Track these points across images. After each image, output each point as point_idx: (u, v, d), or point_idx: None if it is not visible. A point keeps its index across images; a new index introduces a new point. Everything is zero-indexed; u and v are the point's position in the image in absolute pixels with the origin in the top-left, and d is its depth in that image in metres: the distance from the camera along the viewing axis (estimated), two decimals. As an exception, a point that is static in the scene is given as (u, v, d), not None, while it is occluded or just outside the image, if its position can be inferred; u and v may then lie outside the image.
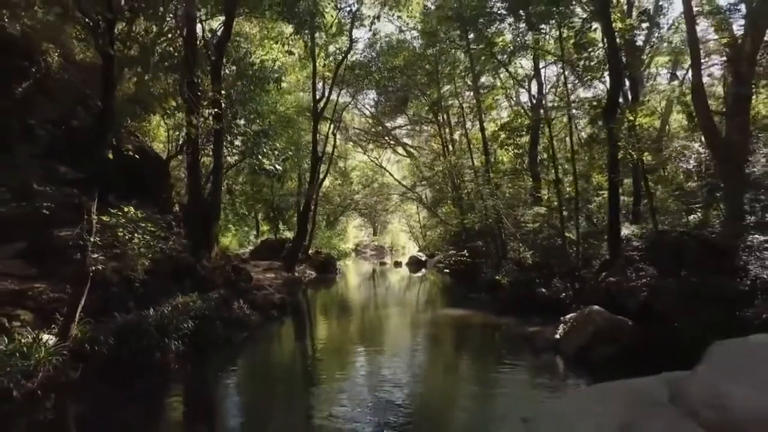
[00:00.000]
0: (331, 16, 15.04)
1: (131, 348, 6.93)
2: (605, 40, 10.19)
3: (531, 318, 9.70)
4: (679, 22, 17.01)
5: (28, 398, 5.49)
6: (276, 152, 12.66)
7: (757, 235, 7.60)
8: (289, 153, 16.50)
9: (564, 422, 2.22)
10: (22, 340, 6.05)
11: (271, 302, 11.06)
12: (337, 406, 5.59)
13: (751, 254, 7.00)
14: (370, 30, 17.66)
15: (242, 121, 11.65)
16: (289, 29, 11.88)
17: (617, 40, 11.53)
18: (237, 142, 12.20)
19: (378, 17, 16.37)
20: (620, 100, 16.03)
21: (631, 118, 10.26)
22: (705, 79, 17.46)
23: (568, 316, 7.94)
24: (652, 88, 19.68)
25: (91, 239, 6.00)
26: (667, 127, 19.82)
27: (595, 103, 11.20)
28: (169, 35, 9.90)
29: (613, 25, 11.32)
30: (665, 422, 1.92)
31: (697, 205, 9.40)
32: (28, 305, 6.88)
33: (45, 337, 6.29)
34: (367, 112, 26.88)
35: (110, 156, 6.21)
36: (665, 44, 17.87)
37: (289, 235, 22.57)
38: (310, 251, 20.94)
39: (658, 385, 2.26)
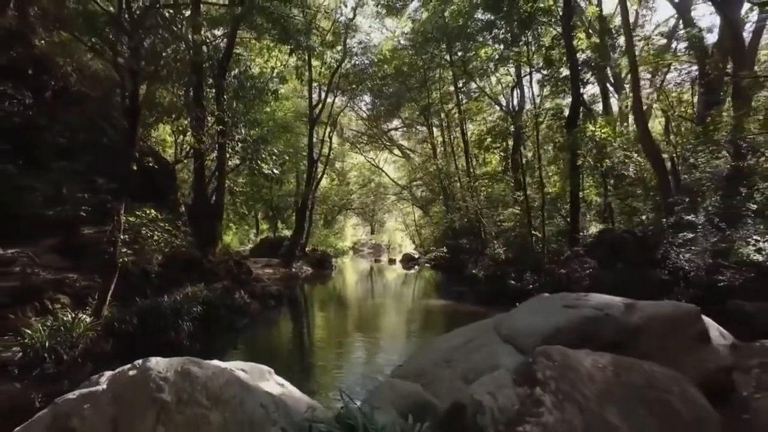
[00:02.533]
0: (325, 34, 16.44)
1: (150, 327, 8.46)
2: (567, 59, 11.59)
3: (501, 306, 11.14)
4: (657, 34, 18.48)
5: (72, 363, 7.03)
6: (274, 157, 14.14)
7: (684, 233, 9.07)
8: (286, 158, 17.99)
9: (438, 345, 3.69)
10: (64, 319, 7.59)
11: (269, 293, 12.58)
12: (332, 362, 7.23)
13: (671, 249, 8.45)
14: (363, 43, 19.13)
15: (242, 129, 13.13)
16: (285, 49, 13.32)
17: (583, 56, 13.02)
18: (237, 148, 13.70)
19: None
20: (603, 109, 17.48)
21: (592, 128, 11.71)
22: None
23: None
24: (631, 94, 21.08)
25: (120, 236, 7.51)
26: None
27: (559, 114, 12.60)
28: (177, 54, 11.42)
29: (579, 42, 12.79)
30: (486, 338, 3.38)
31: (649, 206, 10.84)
32: (65, 291, 8.42)
33: (82, 316, 7.84)
34: (364, 115, 28.38)
35: (134, 167, 7.71)
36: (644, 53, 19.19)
37: (288, 233, 24.08)
38: (307, 249, 22.48)
39: (493, 321, 3.74)
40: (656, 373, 2.26)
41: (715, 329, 5.09)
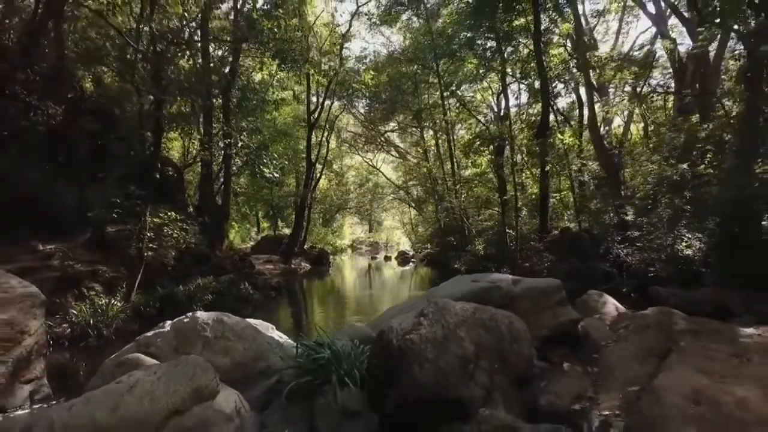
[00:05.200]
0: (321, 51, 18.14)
1: (169, 311, 10.18)
2: (538, 74, 13.19)
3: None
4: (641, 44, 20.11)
5: (109, 339, 8.77)
6: (275, 162, 15.84)
7: (630, 231, 10.75)
8: (285, 162, 19.69)
9: (393, 309, 5.36)
10: (100, 303, 9.33)
11: (270, 285, 14.33)
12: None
13: (612, 245, 10.12)
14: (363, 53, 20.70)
15: (245, 137, 14.84)
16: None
17: (557, 69, 14.63)
18: (241, 154, 15.43)
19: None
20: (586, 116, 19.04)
21: (561, 137, 13.35)
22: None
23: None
24: (617, 100, 22.65)
25: (147, 234, 9.23)
26: (629, 133, 22.79)
27: (531, 123, 14.24)
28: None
29: (552, 58, 14.40)
30: (421, 302, 5.05)
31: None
32: (98, 280, 10.16)
33: (113, 301, 9.58)
34: (361, 117, 30.08)
35: (157, 176, 9.41)
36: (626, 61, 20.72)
37: (287, 232, 25.83)
38: (305, 246, 24.23)
39: (428, 292, 5.41)
40: (498, 314, 3.91)
41: (611, 303, 6.82)
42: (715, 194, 8.87)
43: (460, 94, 20.82)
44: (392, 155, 33.33)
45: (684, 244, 10.07)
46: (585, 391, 4.40)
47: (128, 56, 9.49)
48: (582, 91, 19.81)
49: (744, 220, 7.94)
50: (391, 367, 3.59)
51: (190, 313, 4.59)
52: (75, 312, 8.60)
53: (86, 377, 6.38)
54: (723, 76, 16.76)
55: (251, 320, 5.03)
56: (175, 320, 4.61)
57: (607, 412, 3.98)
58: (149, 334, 4.50)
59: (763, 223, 8.80)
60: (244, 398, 3.77)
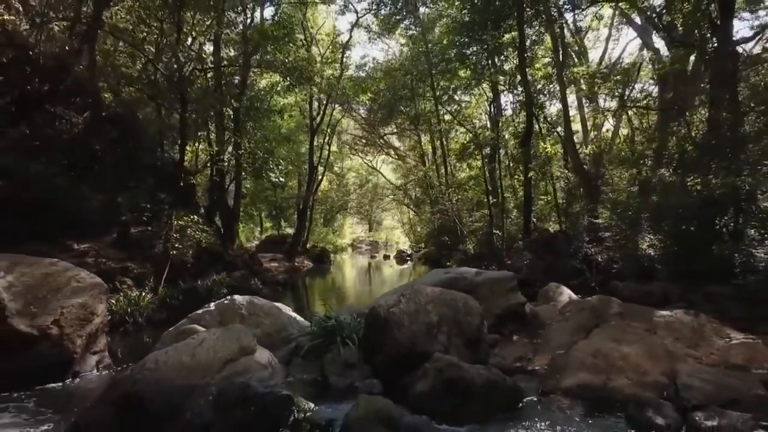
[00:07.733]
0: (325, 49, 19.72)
1: (191, 303, 11.75)
2: (523, 87, 14.74)
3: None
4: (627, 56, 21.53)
5: (141, 325, 10.38)
6: (280, 167, 17.45)
7: (601, 233, 12.33)
8: (290, 167, 21.32)
9: (385, 294, 6.99)
10: (132, 295, 10.94)
11: (277, 281, 15.97)
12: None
13: (582, 244, 11.69)
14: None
15: (252, 145, 16.45)
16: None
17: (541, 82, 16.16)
18: (249, 160, 17.03)
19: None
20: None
21: (544, 145, 14.89)
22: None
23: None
24: (604, 107, 24.16)
25: (173, 235, 10.84)
26: (617, 138, 24.33)
27: (516, 133, 15.81)
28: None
29: (536, 71, 15.93)
30: (402, 289, 6.64)
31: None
32: (129, 275, 11.77)
33: (143, 294, 11.19)
34: (361, 120, 31.70)
35: (181, 184, 11.02)
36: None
37: (290, 231, 27.48)
38: (307, 245, 25.87)
39: (414, 281, 6.98)
40: (457, 295, 5.48)
41: (566, 293, 8.38)
42: (666, 201, 10.42)
43: (457, 98, 22.40)
44: (392, 157, 34.94)
45: (646, 244, 11.62)
46: (526, 355, 5.99)
47: (152, 77, 11.05)
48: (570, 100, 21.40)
49: (686, 224, 9.51)
50: (378, 332, 5.17)
51: (229, 296, 6.18)
52: (113, 302, 10.18)
53: (131, 355, 7.97)
54: (702, 85, 18.30)
55: (272, 303, 6.63)
56: (217, 302, 6.21)
57: (537, 367, 5.58)
58: (199, 311, 6.10)
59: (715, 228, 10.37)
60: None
